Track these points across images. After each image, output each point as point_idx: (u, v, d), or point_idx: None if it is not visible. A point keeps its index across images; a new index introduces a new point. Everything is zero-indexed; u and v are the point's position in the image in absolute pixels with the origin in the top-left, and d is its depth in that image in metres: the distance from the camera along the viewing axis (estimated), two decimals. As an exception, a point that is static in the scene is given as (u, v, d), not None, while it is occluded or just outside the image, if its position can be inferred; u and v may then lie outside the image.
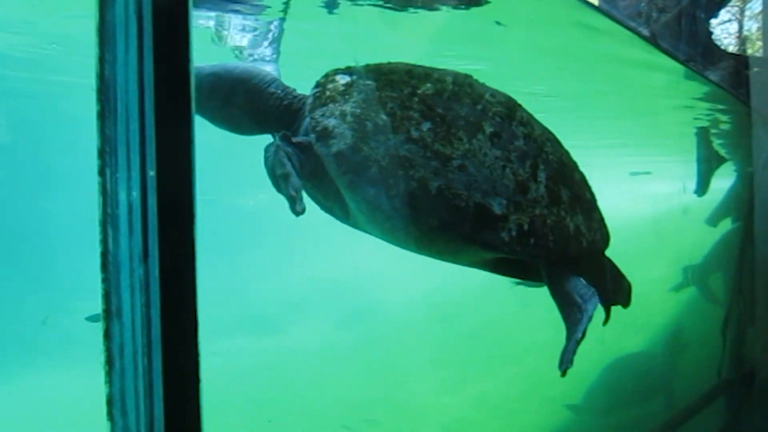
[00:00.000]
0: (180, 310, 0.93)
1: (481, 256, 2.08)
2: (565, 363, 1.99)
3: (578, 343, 2.00)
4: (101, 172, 0.92)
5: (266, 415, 6.89)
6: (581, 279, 2.04)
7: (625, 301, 2.35)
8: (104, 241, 0.93)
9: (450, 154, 1.95)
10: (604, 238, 2.22)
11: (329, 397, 7.38)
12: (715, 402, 4.58)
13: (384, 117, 1.98)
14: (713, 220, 8.12)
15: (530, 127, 2.12)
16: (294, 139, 2.09)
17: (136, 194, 0.90)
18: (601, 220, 2.24)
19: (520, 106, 2.17)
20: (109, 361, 0.94)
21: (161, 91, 0.89)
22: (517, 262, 2.12)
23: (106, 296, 0.93)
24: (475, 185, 1.93)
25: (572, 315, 2.02)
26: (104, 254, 0.93)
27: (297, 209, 2.00)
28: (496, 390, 7.30)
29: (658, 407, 5.08)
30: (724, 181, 7.98)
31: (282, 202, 2.15)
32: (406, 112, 1.99)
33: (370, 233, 2.18)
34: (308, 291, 13.44)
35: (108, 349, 0.94)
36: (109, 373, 0.94)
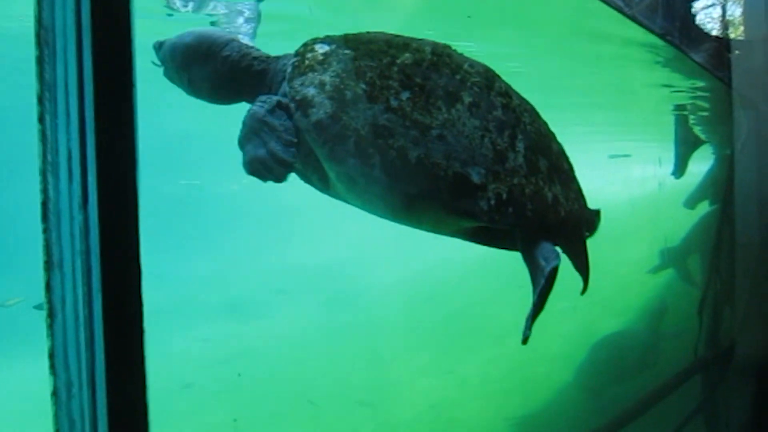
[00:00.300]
0: (121, 256, 0.91)
1: (460, 225, 2.08)
2: (525, 330, 1.98)
3: (537, 307, 2.00)
4: (41, 119, 0.89)
5: (250, 397, 6.90)
6: (549, 244, 2.06)
7: (585, 282, 2.35)
8: (44, 190, 0.90)
9: (429, 123, 1.95)
10: (582, 208, 2.24)
11: (314, 379, 7.41)
12: (692, 380, 4.69)
13: (363, 86, 1.98)
14: (691, 203, 8.25)
15: (509, 97, 2.13)
16: (278, 99, 2.07)
17: (75, 140, 0.88)
18: (579, 190, 2.25)
19: (498, 76, 2.18)
20: (51, 314, 0.91)
21: (99, 33, 0.86)
22: (495, 231, 2.12)
23: (47, 247, 0.91)
24: (454, 154, 1.94)
25: (536, 279, 2.04)
26: (44, 203, 0.90)
27: (286, 164, 2.01)
28: (478, 371, 7.39)
29: (636, 386, 5.19)
30: (702, 164, 8.09)
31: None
32: (386, 81, 1.99)
33: (350, 203, 2.17)
34: (293, 275, 13.45)
35: (50, 302, 0.91)
36: (51, 326, 0.91)
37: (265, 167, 2.05)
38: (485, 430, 5.47)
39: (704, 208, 7.45)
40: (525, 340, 1.97)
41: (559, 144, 2.26)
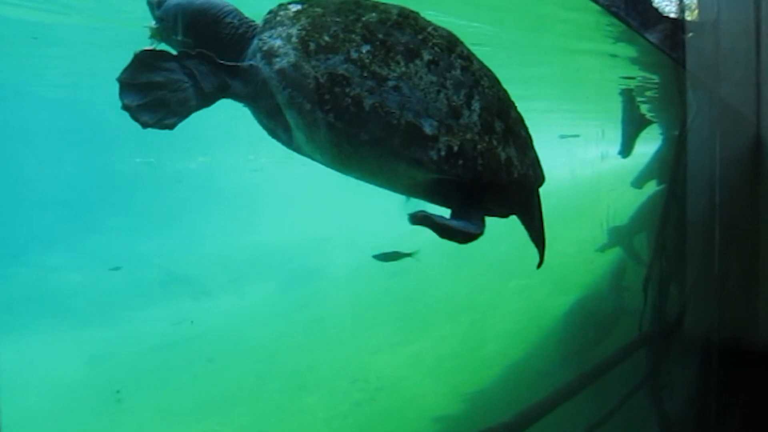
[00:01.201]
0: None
1: (412, 177, 2.10)
2: (415, 217, 1.98)
3: (435, 225, 1.98)
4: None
5: (211, 375, 6.80)
6: (481, 213, 2.09)
7: (541, 254, 2.35)
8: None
9: (386, 75, 2.02)
10: (538, 175, 2.25)
11: (266, 359, 7.34)
12: (637, 355, 4.82)
13: (327, 38, 2.05)
14: (638, 183, 8.46)
15: (469, 61, 2.17)
16: (233, 63, 2.14)
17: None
18: (536, 159, 2.27)
19: (461, 42, 2.22)
20: None
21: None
22: (446, 189, 2.13)
23: None
24: (408, 105, 2.00)
25: (454, 217, 2.06)
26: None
27: (164, 122, 2.02)
28: (431, 349, 7.44)
29: (583, 361, 5.31)
30: (649, 145, 8.28)
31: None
32: (348, 35, 2.06)
33: (310, 156, 2.22)
34: (252, 254, 13.24)
35: None
36: None
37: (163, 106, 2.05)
38: (438, 406, 5.51)
39: (652, 187, 7.65)
40: (411, 222, 2.00)
41: (518, 113, 2.27)
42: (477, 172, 2.03)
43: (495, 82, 2.23)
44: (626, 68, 6.79)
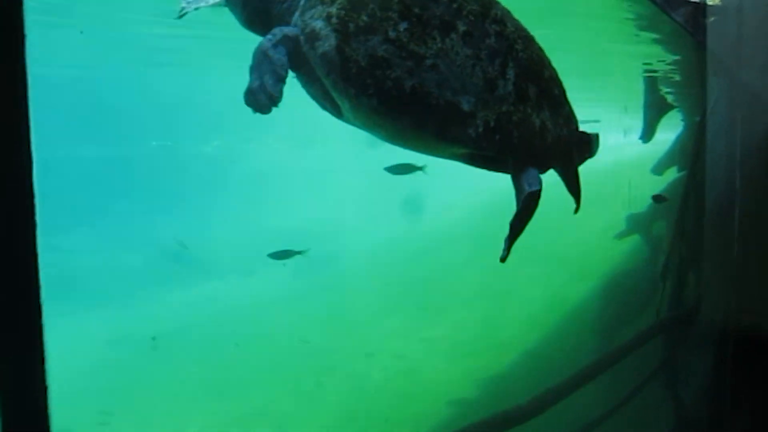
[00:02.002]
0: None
1: (452, 151, 2.18)
2: (503, 251, 2.14)
3: (514, 228, 2.14)
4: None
5: (230, 356, 6.92)
6: (535, 170, 2.17)
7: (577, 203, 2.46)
8: None
9: (424, 53, 2.05)
10: (572, 131, 2.32)
11: (285, 342, 7.43)
12: (654, 343, 4.81)
13: (365, 18, 2.07)
14: (659, 169, 8.35)
15: (503, 24, 2.20)
16: (286, 32, 2.18)
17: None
18: (570, 115, 2.33)
19: (496, 3, 2.25)
20: None
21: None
22: (488, 156, 2.21)
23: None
24: (446, 84, 2.05)
25: (517, 202, 2.16)
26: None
27: (272, 98, 2.11)
28: (447, 334, 7.48)
29: (598, 348, 5.31)
30: (670, 131, 8.16)
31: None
32: (386, 12, 2.08)
33: (360, 129, 2.29)
34: (269, 237, 13.31)
35: None
36: None
37: (255, 99, 2.15)
38: (454, 390, 5.56)
39: (672, 174, 7.55)
40: (503, 260, 2.14)
41: (552, 69, 2.32)
42: (513, 144, 2.11)
43: (529, 41, 2.26)
44: (649, 51, 6.68)
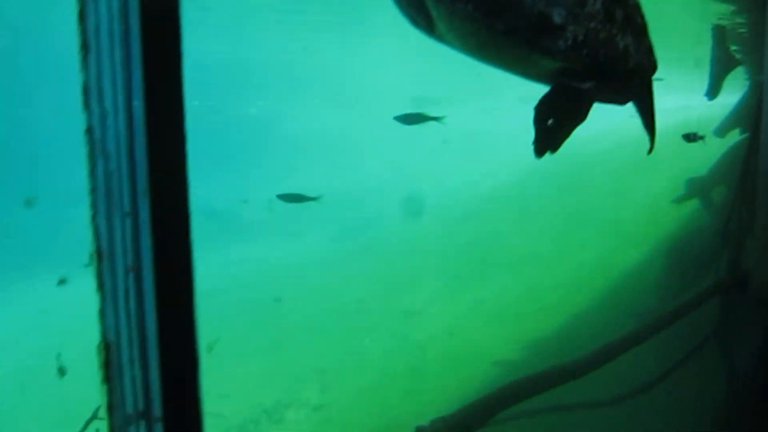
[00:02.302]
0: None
1: (540, 66, 2.24)
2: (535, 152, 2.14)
3: (540, 117, 2.15)
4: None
5: (274, 314, 7.15)
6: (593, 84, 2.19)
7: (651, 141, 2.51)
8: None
9: None
10: (652, 64, 2.34)
11: (332, 303, 7.60)
12: (711, 303, 4.70)
13: None
14: (721, 131, 7.99)
15: None
16: None
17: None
18: (650, 47, 2.35)
19: None
20: (85, 46, 0.87)
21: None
22: (574, 71, 2.25)
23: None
24: None
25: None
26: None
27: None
28: (493, 296, 7.50)
29: (654, 305, 5.22)
30: (734, 93, 7.76)
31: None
32: None
33: (450, 45, 2.33)
34: (312, 201, 13.52)
35: (83, 32, 0.86)
36: (85, 59, 0.87)
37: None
38: (497, 352, 5.61)
39: (734, 136, 7.22)
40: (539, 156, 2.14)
41: None
42: (598, 61, 2.16)
43: None
44: (717, 6, 6.33)
